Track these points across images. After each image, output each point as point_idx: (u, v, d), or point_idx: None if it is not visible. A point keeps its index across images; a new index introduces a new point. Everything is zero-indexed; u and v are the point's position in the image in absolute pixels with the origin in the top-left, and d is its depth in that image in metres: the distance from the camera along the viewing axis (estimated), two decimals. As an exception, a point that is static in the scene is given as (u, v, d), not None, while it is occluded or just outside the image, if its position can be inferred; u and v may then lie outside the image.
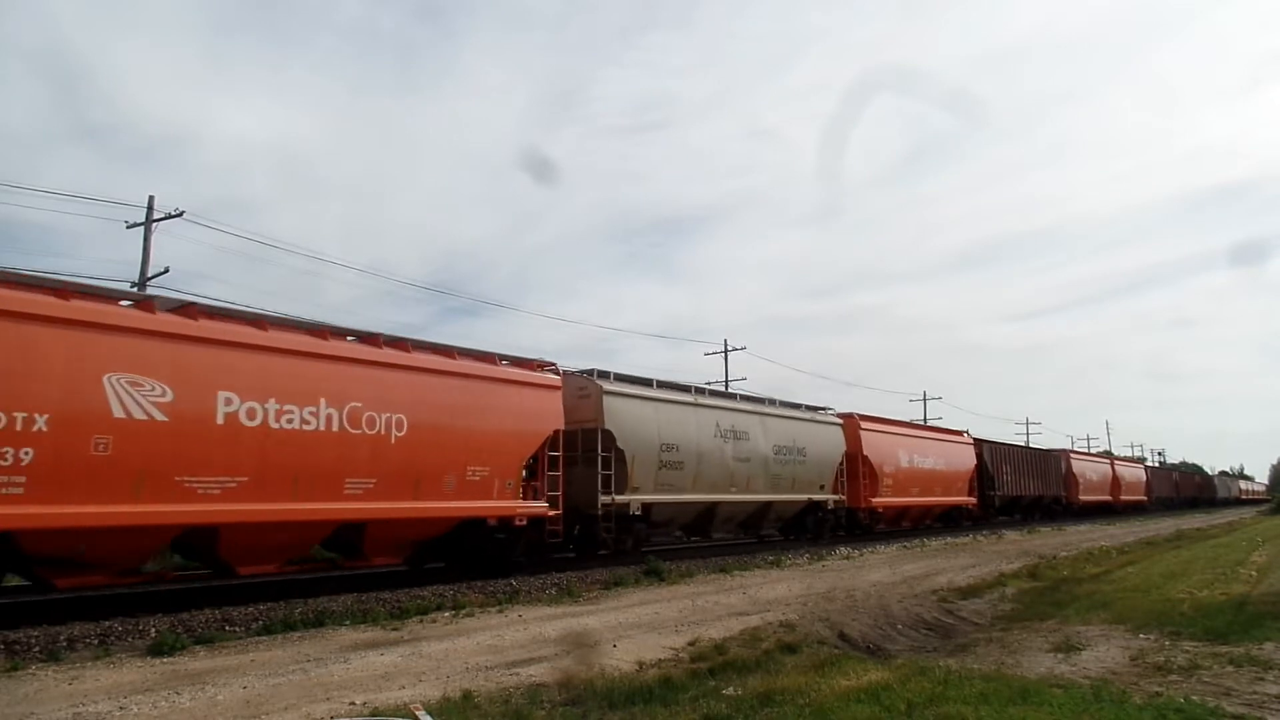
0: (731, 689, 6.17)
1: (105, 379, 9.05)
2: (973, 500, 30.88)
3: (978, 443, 32.82)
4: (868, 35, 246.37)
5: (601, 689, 6.04)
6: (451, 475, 12.62)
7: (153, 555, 10.81)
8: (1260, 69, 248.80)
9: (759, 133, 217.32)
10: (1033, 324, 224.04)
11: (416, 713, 5.35)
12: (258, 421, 10.35)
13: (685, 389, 18.67)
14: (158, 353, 9.61)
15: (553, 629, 8.95)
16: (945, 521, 30.24)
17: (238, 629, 8.97)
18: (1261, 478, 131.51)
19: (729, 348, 42.05)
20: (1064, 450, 45.10)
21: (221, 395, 10.05)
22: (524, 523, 13.80)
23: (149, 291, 21.76)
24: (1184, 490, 72.84)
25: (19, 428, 8.38)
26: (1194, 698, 6.07)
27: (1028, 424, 76.42)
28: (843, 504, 23.31)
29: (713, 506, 18.40)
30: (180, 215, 22.63)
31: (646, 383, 17.59)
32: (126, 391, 9.19)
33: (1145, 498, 55.89)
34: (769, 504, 20.28)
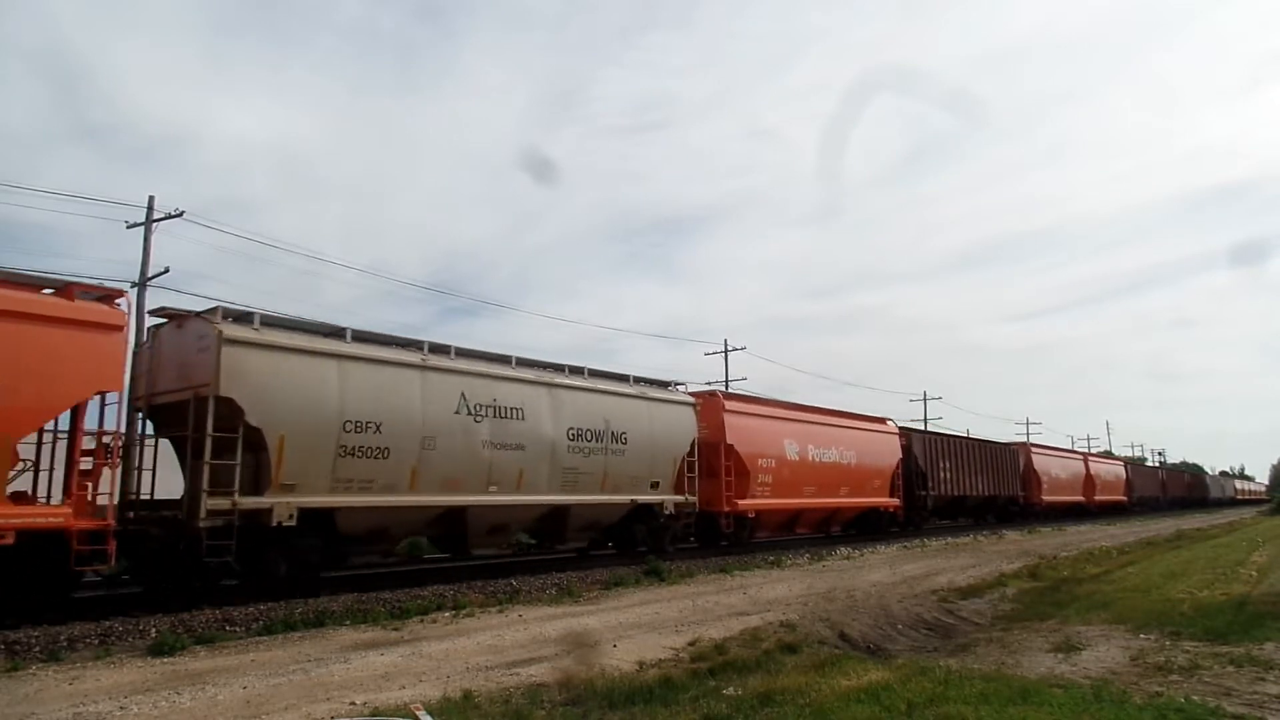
0: (732, 689, 6.17)
1: None
2: (895, 502, 25.43)
3: (905, 432, 27.89)
4: (868, 35, 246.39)
5: (602, 689, 6.04)
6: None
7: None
8: (1260, 69, 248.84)
9: (759, 133, 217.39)
10: (1033, 324, 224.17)
11: (417, 713, 5.35)
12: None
13: (407, 344, 13.12)
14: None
15: (553, 629, 8.95)
16: (862, 528, 25.20)
17: (238, 629, 8.97)
18: (1262, 478, 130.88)
19: (729, 348, 42.03)
20: (1023, 444, 40.23)
21: None
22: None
23: (149, 292, 21.77)
24: (1172, 490, 68.73)
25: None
26: (1194, 698, 6.06)
27: (1028, 424, 76.23)
28: (691, 508, 17.62)
29: (459, 512, 13.20)
30: (180, 215, 22.60)
31: (328, 333, 12.31)
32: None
33: (1125, 498, 51.53)
34: (563, 508, 14.92)
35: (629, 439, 16.03)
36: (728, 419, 19.13)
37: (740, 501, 18.93)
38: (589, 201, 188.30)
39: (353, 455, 11.57)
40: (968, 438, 34.36)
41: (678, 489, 17.40)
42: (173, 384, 11.27)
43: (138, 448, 11.82)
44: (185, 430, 10.63)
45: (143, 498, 11.66)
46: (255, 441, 10.73)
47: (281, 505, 10.84)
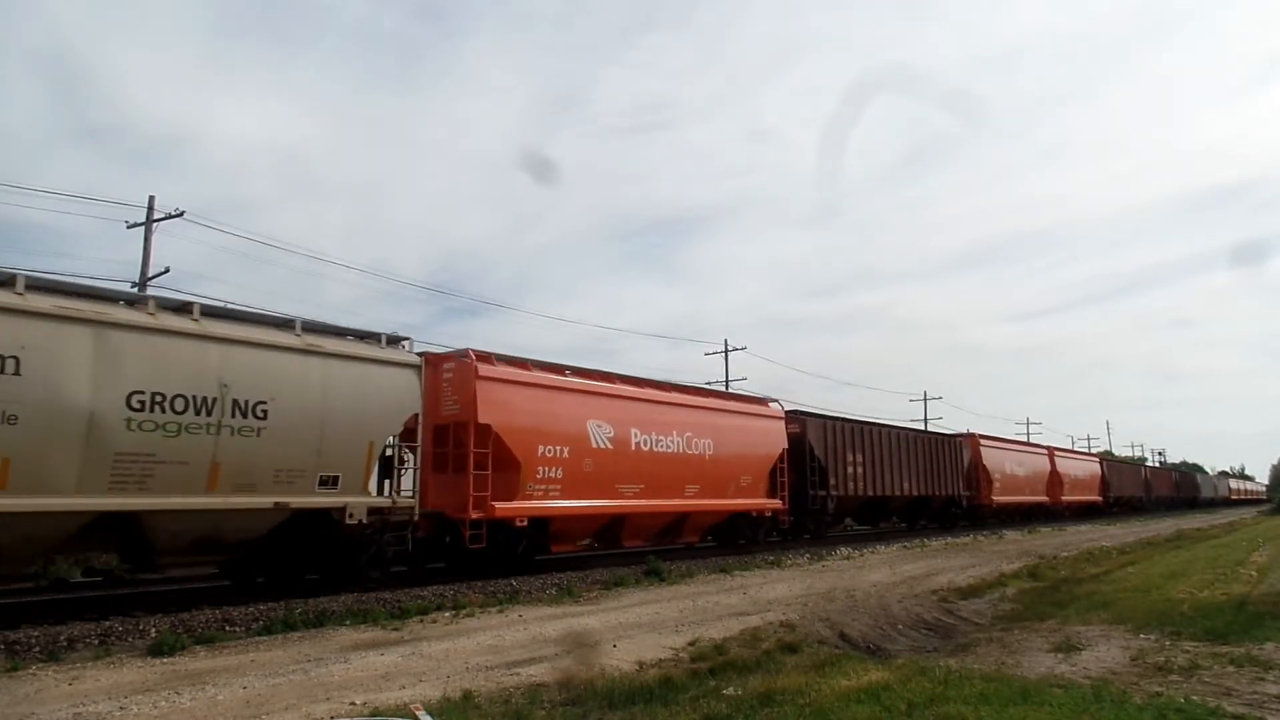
0: (732, 689, 6.17)
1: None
2: (774, 504, 19.98)
3: (796, 418, 22.24)
4: (868, 36, 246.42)
5: (602, 689, 6.04)
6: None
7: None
8: (1260, 70, 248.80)
9: (759, 133, 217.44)
10: (1033, 324, 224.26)
11: (416, 713, 5.35)
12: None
13: None
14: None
15: (553, 629, 8.95)
16: (728, 537, 19.33)
17: (238, 629, 8.97)
18: (1262, 478, 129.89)
19: (729, 348, 42.04)
20: (969, 435, 33.47)
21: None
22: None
23: (149, 291, 21.78)
24: (1158, 489, 63.36)
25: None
26: (1194, 698, 6.06)
27: (1028, 424, 76.30)
28: (405, 514, 12.19)
29: None
30: (180, 215, 22.67)
31: None
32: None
33: (1099, 498, 46.67)
34: (127, 517, 9.42)
35: (273, 411, 10.49)
36: (483, 389, 13.51)
37: (503, 504, 13.59)
38: (589, 202, 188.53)
39: None
40: (892, 426, 27.71)
41: (365, 486, 11.81)
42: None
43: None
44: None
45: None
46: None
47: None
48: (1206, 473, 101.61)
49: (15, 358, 8.46)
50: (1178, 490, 70.21)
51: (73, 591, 11.30)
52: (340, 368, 11.43)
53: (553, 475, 14.55)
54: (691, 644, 7.96)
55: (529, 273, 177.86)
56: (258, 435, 10.39)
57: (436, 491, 13.55)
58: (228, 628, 8.96)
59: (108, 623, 8.83)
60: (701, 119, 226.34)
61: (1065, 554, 19.16)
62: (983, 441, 33.65)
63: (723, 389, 23.02)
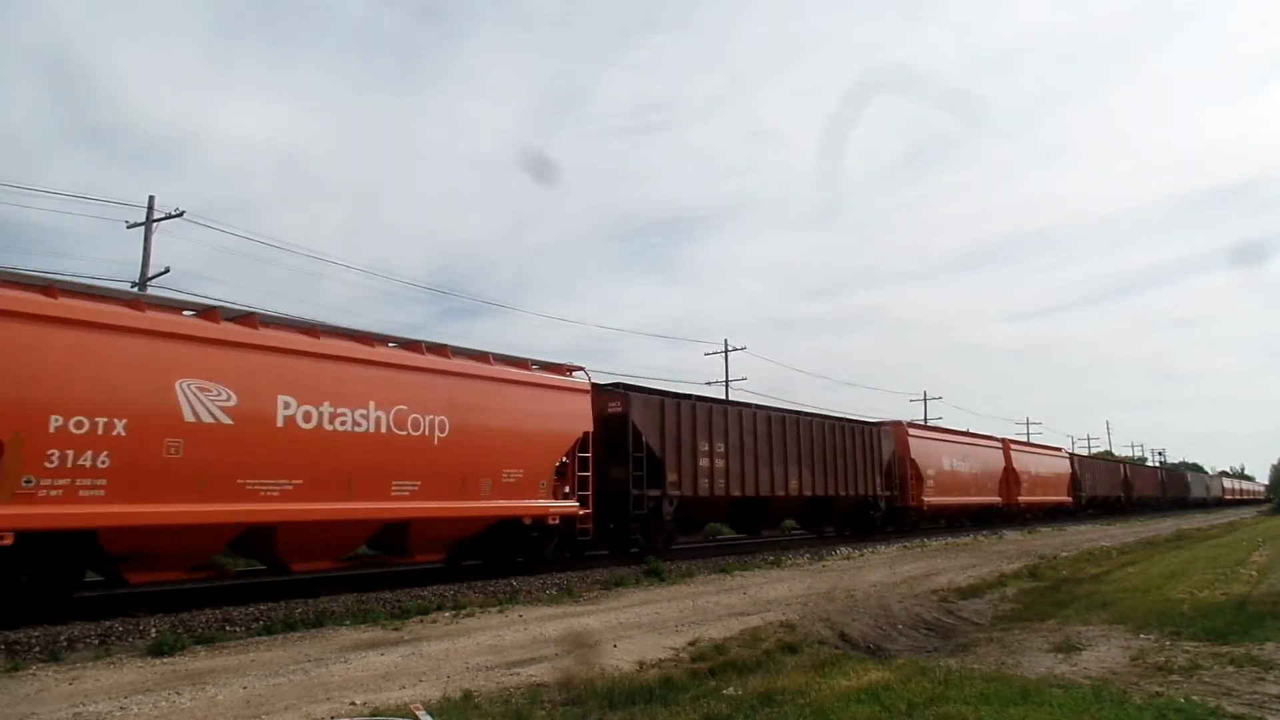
0: (732, 689, 6.17)
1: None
2: (572, 507, 14.67)
3: (617, 393, 16.73)
4: (867, 36, 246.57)
5: (602, 689, 6.04)
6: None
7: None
8: (1260, 70, 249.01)
9: (759, 133, 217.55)
10: (1033, 324, 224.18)
11: (417, 713, 5.35)
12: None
13: None
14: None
15: (553, 629, 8.95)
16: (496, 555, 14.11)
17: (238, 629, 8.97)
18: (1262, 478, 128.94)
19: (729, 348, 42.03)
20: (896, 424, 28.15)
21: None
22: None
23: (149, 291, 21.76)
24: (1142, 489, 57.78)
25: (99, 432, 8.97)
26: (1194, 698, 6.06)
27: (1028, 424, 76.24)
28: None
29: None
30: (180, 215, 22.67)
31: None
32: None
33: (1068, 499, 41.64)
34: None
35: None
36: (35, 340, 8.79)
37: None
38: (589, 202, 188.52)
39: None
40: (774, 409, 21.41)
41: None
42: None
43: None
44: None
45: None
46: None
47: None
48: (1200, 471, 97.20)
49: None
50: (1164, 490, 64.90)
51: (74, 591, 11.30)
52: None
53: (88, 464, 8.96)
54: (691, 644, 7.96)
55: (529, 273, 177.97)
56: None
57: None
58: (228, 628, 8.96)
59: (108, 623, 8.83)
60: (702, 119, 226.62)
61: (1065, 554, 19.16)
62: (911, 431, 28.68)
63: (515, 355, 14.62)
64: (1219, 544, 23.42)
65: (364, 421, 11.61)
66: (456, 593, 11.61)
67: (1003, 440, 36.72)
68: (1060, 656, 7.81)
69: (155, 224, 22.60)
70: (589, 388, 15.67)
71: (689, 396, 18.49)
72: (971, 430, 35.68)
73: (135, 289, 21.96)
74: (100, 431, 9.11)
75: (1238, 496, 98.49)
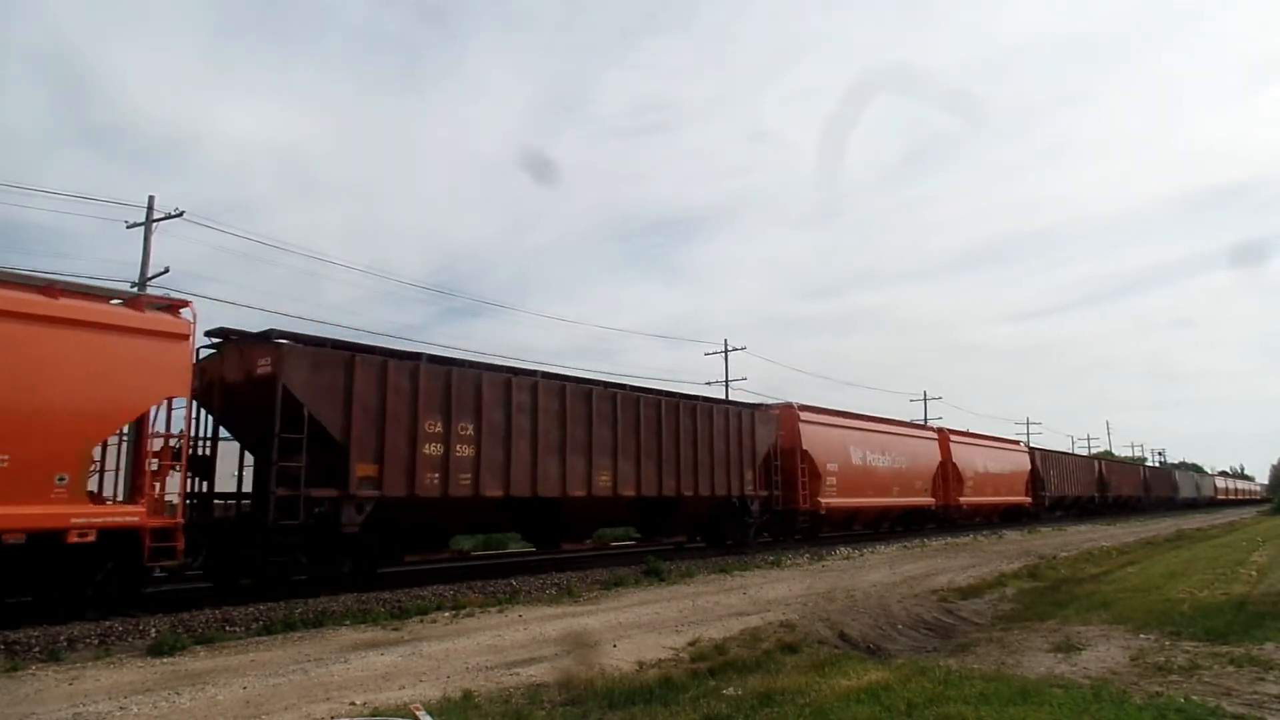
0: (732, 689, 6.17)
1: None
2: (126, 517, 9.40)
3: (261, 346, 11.54)
4: (868, 37, 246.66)
5: (602, 689, 6.04)
6: None
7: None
8: (1260, 70, 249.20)
9: (759, 134, 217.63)
10: (1033, 324, 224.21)
11: (416, 713, 5.35)
12: None
13: None
14: None
15: (553, 629, 8.95)
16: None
17: (238, 629, 8.97)
18: (1262, 478, 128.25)
19: (729, 348, 42.01)
20: (785, 406, 22.27)
21: None
22: None
23: (149, 291, 21.78)
24: (1121, 488, 51.65)
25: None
26: (1194, 698, 6.06)
27: (1028, 424, 76.15)
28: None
29: None
30: (180, 215, 22.65)
31: None
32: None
33: (1026, 499, 36.20)
34: None
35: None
36: None
37: None
38: (589, 202, 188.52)
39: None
40: (578, 379, 16.16)
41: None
42: None
43: None
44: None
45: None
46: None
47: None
48: (1199, 471, 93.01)
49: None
50: (1147, 490, 59.19)
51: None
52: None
53: None
54: (691, 644, 7.96)
55: (529, 273, 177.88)
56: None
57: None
58: (228, 628, 8.96)
59: (108, 623, 8.82)
60: (702, 119, 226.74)
61: (1065, 554, 19.16)
62: (805, 416, 22.42)
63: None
64: (1219, 544, 23.42)
65: None
66: (456, 593, 11.61)
67: (939, 430, 31.61)
68: (1060, 656, 7.81)
69: (155, 224, 22.59)
70: (186, 329, 10.40)
71: (413, 355, 13.04)
72: (897, 419, 29.71)
73: (135, 289, 21.97)
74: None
75: (1232, 497, 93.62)
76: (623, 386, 16.91)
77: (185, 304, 10.65)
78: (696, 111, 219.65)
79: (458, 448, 13.00)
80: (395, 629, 9.09)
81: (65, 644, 7.93)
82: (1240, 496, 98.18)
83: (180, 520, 10.06)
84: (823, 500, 22.30)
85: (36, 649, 7.71)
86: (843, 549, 20.19)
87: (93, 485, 10.06)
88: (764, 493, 20.13)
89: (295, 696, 6.00)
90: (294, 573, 11.34)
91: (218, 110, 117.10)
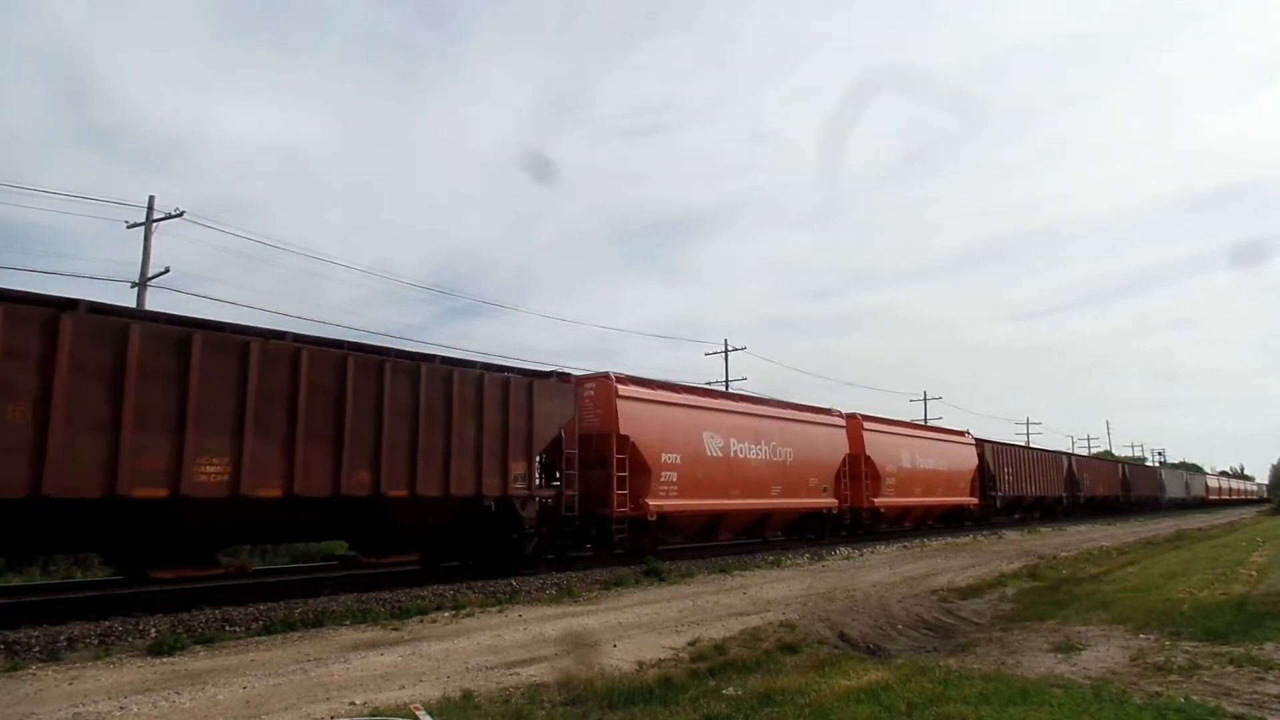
0: (731, 689, 6.17)
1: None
2: None
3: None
4: (868, 37, 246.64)
5: (601, 689, 6.04)
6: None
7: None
8: (1260, 71, 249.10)
9: (760, 134, 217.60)
10: (1033, 324, 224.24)
11: (416, 712, 5.35)
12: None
13: None
14: None
15: (553, 629, 8.95)
16: None
17: (238, 629, 8.97)
18: (1262, 478, 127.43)
19: (729, 348, 42.00)
20: (602, 377, 16.92)
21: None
22: None
23: (149, 292, 21.77)
24: (1094, 488, 46.30)
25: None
26: (1194, 698, 6.06)
27: (1028, 424, 76.11)
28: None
29: None
30: (180, 215, 22.67)
31: None
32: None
33: (971, 499, 31.24)
34: None
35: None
36: None
37: None
38: (590, 202, 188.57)
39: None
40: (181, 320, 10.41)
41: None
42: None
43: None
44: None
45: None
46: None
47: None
48: (1184, 469, 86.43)
49: None
50: (1127, 490, 53.41)
51: (73, 591, 11.30)
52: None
53: None
54: (691, 644, 7.96)
55: (529, 273, 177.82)
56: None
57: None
58: (228, 628, 8.96)
59: (108, 623, 8.83)
60: (702, 120, 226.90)
61: (1065, 554, 19.16)
62: (621, 390, 16.69)
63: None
64: (1219, 544, 23.42)
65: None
66: (456, 593, 11.61)
67: (849, 415, 25.05)
68: (1060, 656, 7.81)
69: (155, 224, 22.60)
70: None
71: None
72: (789, 401, 22.76)
73: (135, 289, 21.97)
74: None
75: (1226, 497, 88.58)
76: (279, 335, 11.24)
77: None
78: (697, 112, 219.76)
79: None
80: (395, 629, 9.09)
81: (65, 644, 7.93)
82: (1235, 497, 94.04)
83: None
84: (654, 504, 16.54)
85: (36, 649, 7.71)
86: (843, 549, 20.17)
87: None
88: (548, 492, 14.88)
89: (295, 696, 6.00)
90: None
91: (218, 110, 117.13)
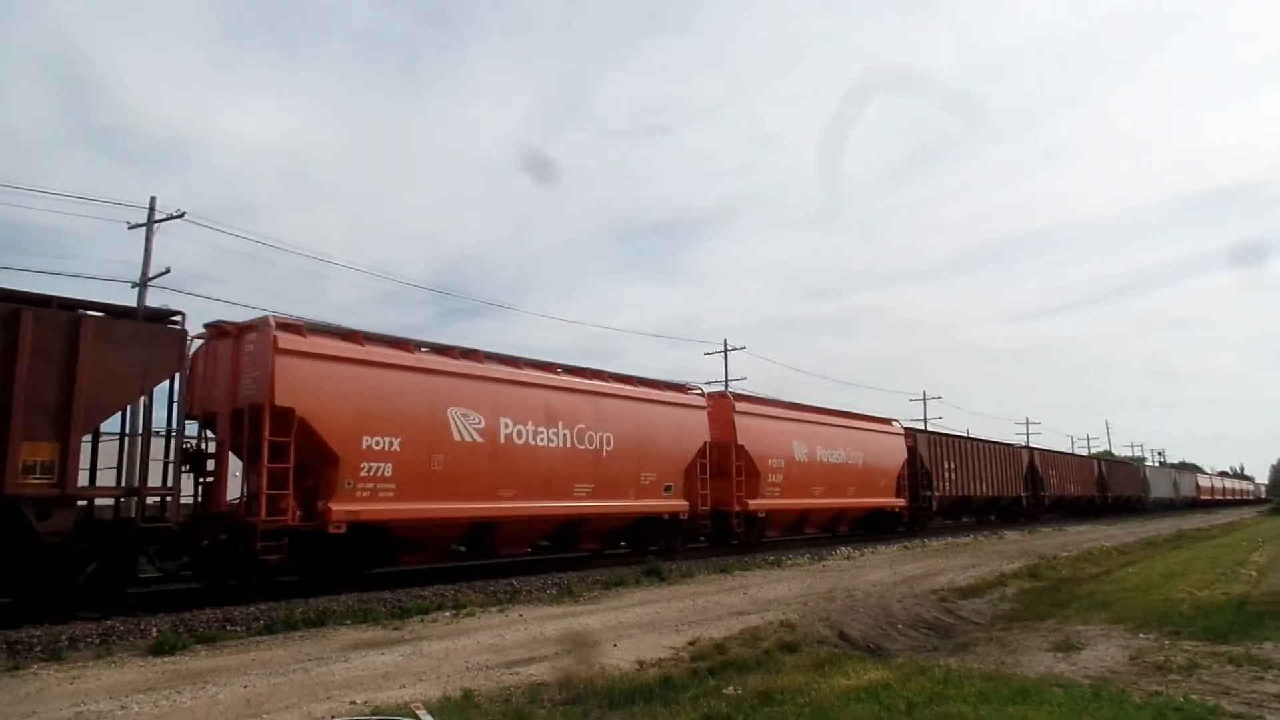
0: (732, 688, 6.18)
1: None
2: None
3: None
4: (868, 38, 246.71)
5: (602, 688, 6.05)
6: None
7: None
8: (1260, 71, 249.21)
9: (760, 135, 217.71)
10: (1033, 324, 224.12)
11: (417, 712, 5.36)
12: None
13: None
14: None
15: (553, 629, 8.96)
16: None
17: (239, 628, 8.98)
18: (1262, 478, 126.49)
19: (729, 348, 42.00)
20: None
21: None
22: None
23: (149, 292, 21.77)
24: (1062, 487, 40.70)
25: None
26: (1193, 697, 6.07)
27: (1028, 424, 75.95)
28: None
29: None
30: (181, 216, 22.69)
31: None
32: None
33: (898, 501, 25.33)
34: None
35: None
36: None
37: None
38: (591, 203, 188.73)
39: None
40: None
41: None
42: None
43: None
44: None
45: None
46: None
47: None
48: (1174, 468, 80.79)
49: None
50: (1102, 489, 47.31)
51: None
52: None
53: None
54: (691, 643, 7.96)
55: (530, 273, 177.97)
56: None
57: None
58: (229, 627, 8.97)
59: (109, 622, 8.84)
60: (703, 121, 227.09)
61: (1065, 554, 19.16)
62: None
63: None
64: (1219, 544, 23.41)
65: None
66: (457, 592, 11.61)
67: (716, 395, 20.45)
68: (1060, 656, 7.81)
69: (157, 225, 22.62)
70: None
71: None
72: (630, 375, 17.18)
73: (135, 289, 21.99)
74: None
75: (1220, 497, 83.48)
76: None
77: None
78: (697, 113, 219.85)
79: None
80: (396, 628, 9.10)
81: (67, 643, 7.94)
82: (1230, 497, 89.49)
83: None
84: (340, 507, 11.24)
85: (38, 648, 7.72)
86: (843, 549, 20.17)
87: None
88: (162, 497, 10.02)
89: (296, 695, 6.02)
90: None
91: (219, 111, 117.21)
